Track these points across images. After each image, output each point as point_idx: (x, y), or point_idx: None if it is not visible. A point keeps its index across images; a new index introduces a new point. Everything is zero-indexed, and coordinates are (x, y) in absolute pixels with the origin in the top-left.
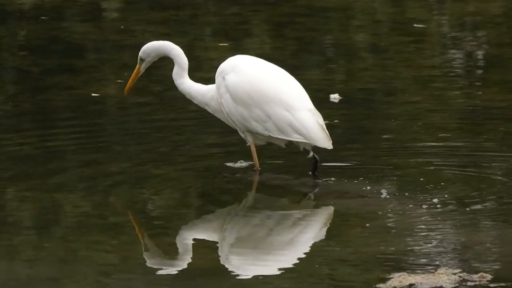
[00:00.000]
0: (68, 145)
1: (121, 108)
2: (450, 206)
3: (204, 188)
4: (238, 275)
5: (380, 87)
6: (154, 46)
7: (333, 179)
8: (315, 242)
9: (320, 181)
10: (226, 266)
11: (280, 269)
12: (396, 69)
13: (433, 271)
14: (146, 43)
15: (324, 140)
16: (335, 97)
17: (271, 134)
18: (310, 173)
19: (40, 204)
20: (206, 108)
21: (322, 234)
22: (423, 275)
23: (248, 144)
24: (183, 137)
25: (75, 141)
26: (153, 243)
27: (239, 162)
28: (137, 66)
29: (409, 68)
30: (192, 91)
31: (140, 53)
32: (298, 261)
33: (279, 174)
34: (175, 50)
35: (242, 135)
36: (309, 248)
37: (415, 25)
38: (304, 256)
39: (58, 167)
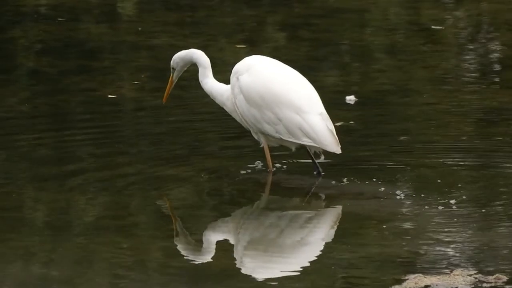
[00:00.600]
0: (84, 146)
1: (137, 110)
2: (466, 207)
3: (218, 189)
4: (252, 276)
5: (395, 89)
6: (180, 56)
7: (345, 180)
8: (329, 244)
9: (334, 182)
10: (241, 268)
11: (294, 271)
12: (411, 70)
13: (448, 272)
14: (162, 44)
15: (333, 145)
16: (350, 98)
17: (281, 137)
18: (315, 173)
19: (56, 205)
20: (224, 108)
21: (337, 236)
22: (438, 277)
23: (261, 145)
24: (198, 138)
25: (91, 142)
26: (185, 232)
27: (256, 163)
28: (171, 76)
29: (424, 69)
30: (213, 90)
31: (171, 62)
32: (312, 263)
33: (293, 174)
34: (196, 54)
35: (256, 137)
36: (324, 250)
37: (433, 26)
38: (319, 257)
39: (73, 168)
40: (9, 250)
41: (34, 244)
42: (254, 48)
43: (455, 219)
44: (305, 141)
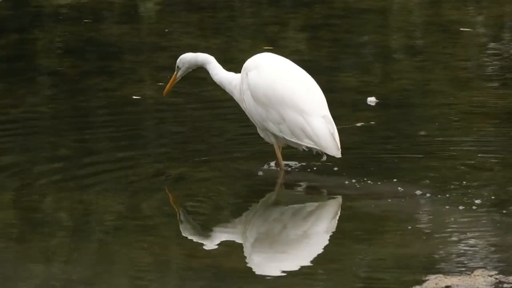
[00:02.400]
0: (105, 147)
1: (158, 110)
2: (486, 207)
3: (237, 190)
4: (273, 278)
5: (416, 89)
6: (186, 58)
7: (365, 180)
8: (349, 244)
9: (354, 182)
10: (262, 269)
11: (315, 270)
12: (432, 70)
13: (469, 273)
14: (183, 45)
15: (333, 149)
16: (371, 100)
17: (285, 136)
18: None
19: (76, 206)
20: (233, 96)
21: (357, 236)
22: (459, 277)
23: (271, 143)
24: (220, 138)
25: (112, 143)
26: (190, 218)
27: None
28: (174, 73)
29: (445, 69)
30: (223, 79)
31: (177, 61)
32: (333, 263)
33: (313, 175)
34: (200, 57)
35: (261, 134)
36: (344, 250)
37: (461, 29)
38: (339, 258)
39: (94, 168)
40: (31, 251)
41: (55, 244)
42: (275, 49)
43: (476, 219)
44: (307, 143)
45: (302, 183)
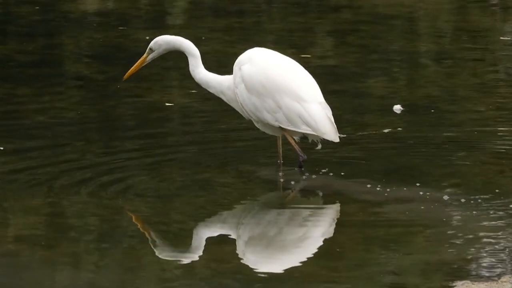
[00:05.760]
0: (132, 152)
1: (185, 116)
2: None
3: (263, 196)
4: (299, 282)
5: (444, 95)
6: (166, 40)
7: (392, 185)
8: (376, 250)
9: (381, 188)
10: (292, 274)
11: (341, 276)
12: (460, 77)
13: (496, 279)
14: (210, 51)
15: (331, 133)
16: (397, 108)
17: (281, 125)
18: (297, 169)
19: (102, 211)
20: (222, 96)
21: (383, 242)
22: (486, 283)
23: (275, 134)
24: (245, 144)
25: (139, 148)
26: (160, 236)
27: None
28: (144, 55)
29: (473, 75)
30: (209, 79)
31: (151, 44)
32: (359, 269)
33: (338, 179)
34: (185, 43)
35: (262, 128)
36: (371, 256)
37: (501, 38)
38: (365, 264)
39: (121, 174)
40: (57, 257)
41: (82, 250)
42: (303, 54)
43: (503, 225)
44: (304, 129)
45: (328, 189)
